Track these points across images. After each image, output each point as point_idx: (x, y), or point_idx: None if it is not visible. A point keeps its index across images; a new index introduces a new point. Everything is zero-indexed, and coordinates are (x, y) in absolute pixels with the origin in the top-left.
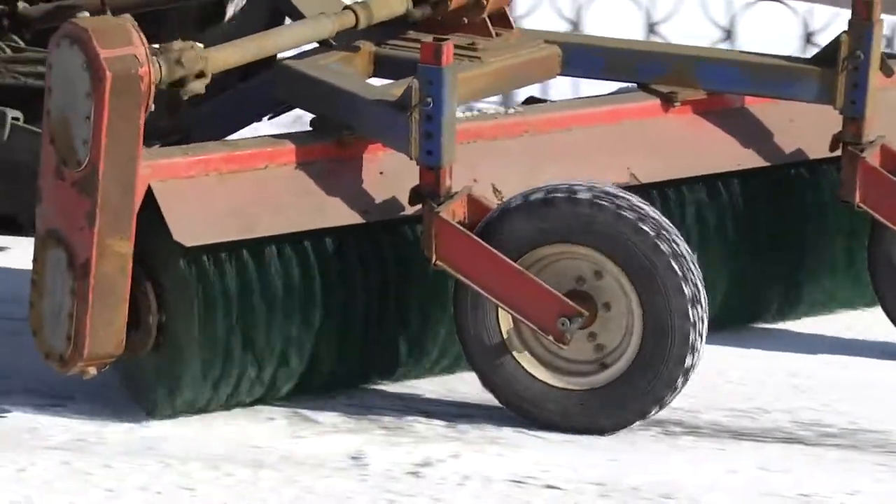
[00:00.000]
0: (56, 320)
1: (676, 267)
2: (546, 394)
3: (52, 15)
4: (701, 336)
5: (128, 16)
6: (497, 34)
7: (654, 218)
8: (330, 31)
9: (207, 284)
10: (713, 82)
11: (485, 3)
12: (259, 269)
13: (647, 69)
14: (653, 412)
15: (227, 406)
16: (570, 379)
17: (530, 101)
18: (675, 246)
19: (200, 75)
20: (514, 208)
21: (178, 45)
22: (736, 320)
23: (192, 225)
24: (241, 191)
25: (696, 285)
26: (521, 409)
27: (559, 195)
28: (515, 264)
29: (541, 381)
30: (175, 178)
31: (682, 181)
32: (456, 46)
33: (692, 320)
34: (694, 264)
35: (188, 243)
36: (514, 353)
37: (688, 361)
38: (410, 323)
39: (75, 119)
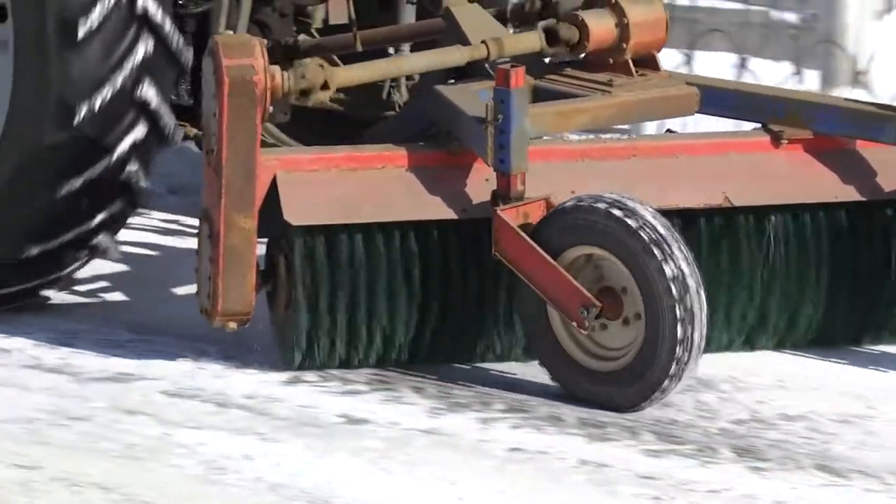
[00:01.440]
0: (205, 282)
1: (667, 269)
2: (583, 374)
3: (316, 48)
4: (692, 328)
5: (257, 39)
6: (641, 74)
7: (654, 227)
8: (459, 61)
9: (314, 260)
10: (817, 124)
11: (625, 47)
12: (364, 251)
13: (767, 110)
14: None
15: (351, 365)
16: (597, 363)
17: (668, 132)
18: (666, 252)
19: (325, 87)
20: (553, 213)
21: (307, 61)
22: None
23: (302, 208)
24: (355, 185)
25: (683, 285)
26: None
27: (583, 203)
28: (549, 259)
29: (581, 365)
30: (298, 170)
31: (776, 207)
32: (592, 81)
33: (679, 316)
34: (688, 266)
35: (294, 223)
36: (559, 338)
37: (678, 351)
38: (492, 310)
39: (209, 115)
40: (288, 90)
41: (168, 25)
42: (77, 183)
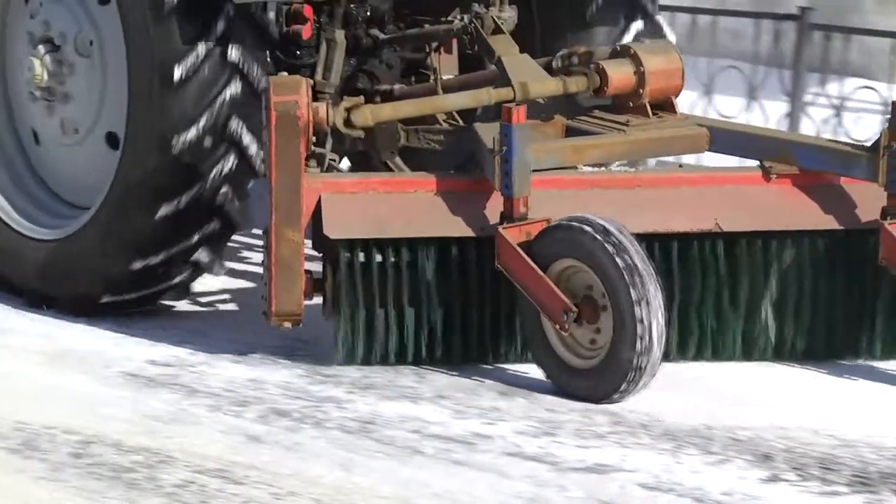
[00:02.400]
0: (264, 288)
1: (627, 277)
2: (567, 371)
3: (407, 94)
4: (650, 334)
5: (304, 79)
6: (658, 116)
7: (623, 244)
8: (488, 101)
9: (352, 269)
10: (804, 161)
11: (642, 92)
12: (393, 262)
13: (763, 149)
14: (618, 393)
15: (389, 362)
16: (578, 361)
17: (679, 167)
18: (629, 262)
19: (361, 119)
20: (544, 231)
21: (351, 99)
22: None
23: (340, 224)
24: (389, 205)
25: (645, 293)
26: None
27: (563, 221)
28: (538, 270)
29: (564, 361)
30: (340, 192)
31: (763, 233)
32: (612, 121)
33: (641, 319)
34: (650, 277)
35: (332, 236)
36: (551, 341)
37: (638, 346)
38: (502, 316)
39: (264, 144)
40: (333, 124)
41: (256, 71)
42: (176, 205)
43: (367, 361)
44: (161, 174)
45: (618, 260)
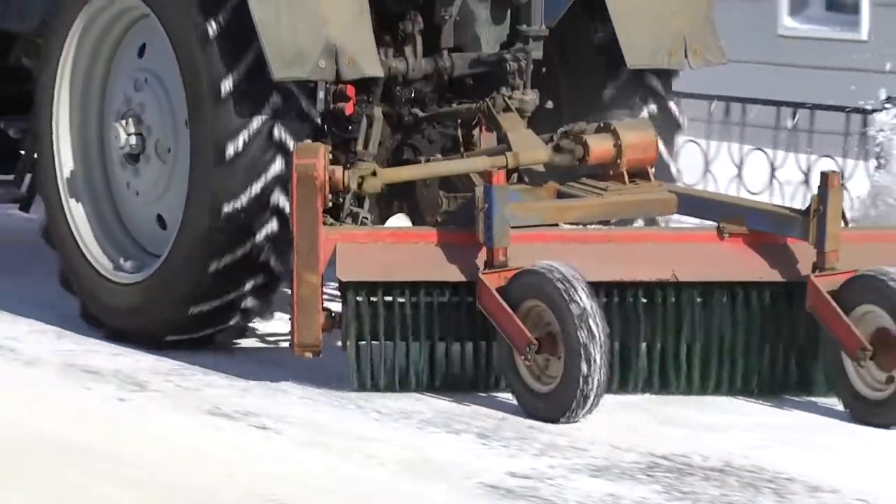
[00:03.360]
0: (290, 323)
1: (577, 317)
2: (531, 395)
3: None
4: (594, 366)
5: (323, 146)
6: (635, 183)
7: (575, 288)
8: (482, 167)
9: (360, 305)
10: (752, 223)
11: (619, 162)
12: (398, 301)
13: (720, 212)
14: (570, 413)
15: (394, 390)
16: (541, 387)
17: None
18: (582, 307)
19: (374, 182)
20: (516, 276)
21: (363, 164)
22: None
23: (351, 269)
24: (394, 254)
25: (590, 331)
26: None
27: (527, 267)
28: (509, 310)
29: (530, 387)
30: (353, 242)
31: (715, 283)
32: (594, 186)
33: (587, 352)
34: (596, 316)
35: (343, 278)
36: (519, 369)
37: (584, 370)
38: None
39: (288, 199)
40: (346, 184)
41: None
42: (226, 260)
43: (376, 388)
44: (214, 235)
45: (570, 301)
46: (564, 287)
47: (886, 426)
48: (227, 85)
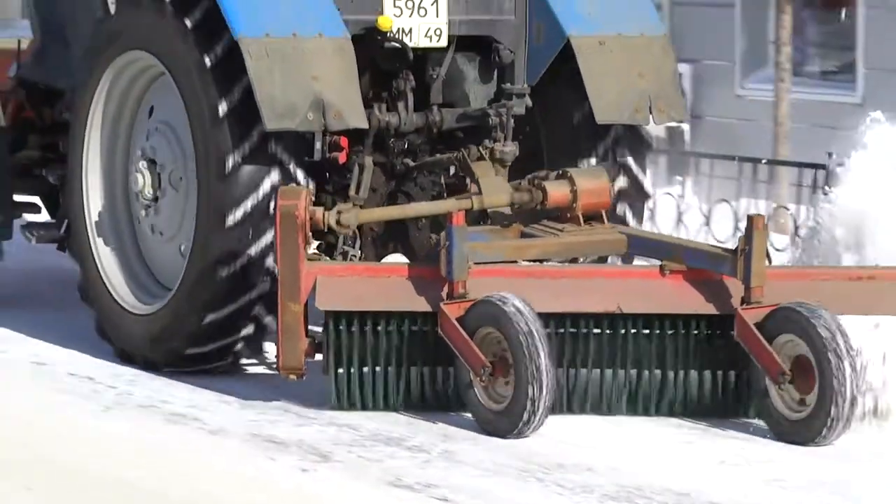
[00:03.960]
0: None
1: (525, 342)
2: (486, 412)
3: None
4: (540, 387)
5: (305, 189)
6: (590, 225)
7: (524, 316)
8: (451, 208)
9: (338, 332)
10: (689, 261)
11: (575, 206)
12: (371, 329)
13: (663, 252)
14: (518, 430)
15: (367, 408)
16: (495, 405)
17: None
18: (530, 334)
19: (351, 220)
20: (472, 305)
21: (342, 205)
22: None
23: (329, 299)
24: (368, 287)
25: (537, 356)
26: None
27: (483, 297)
28: (466, 336)
29: (485, 406)
30: (333, 275)
31: (655, 315)
32: (553, 227)
33: (533, 375)
34: (540, 341)
35: (321, 308)
36: (475, 389)
37: (531, 391)
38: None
39: (273, 236)
40: (326, 223)
41: (293, 168)
42: (232, 269)
43: (353, 407)
44: (219, 243)
45: (520, 329)
46: (515, 316)
47: (803, 443)
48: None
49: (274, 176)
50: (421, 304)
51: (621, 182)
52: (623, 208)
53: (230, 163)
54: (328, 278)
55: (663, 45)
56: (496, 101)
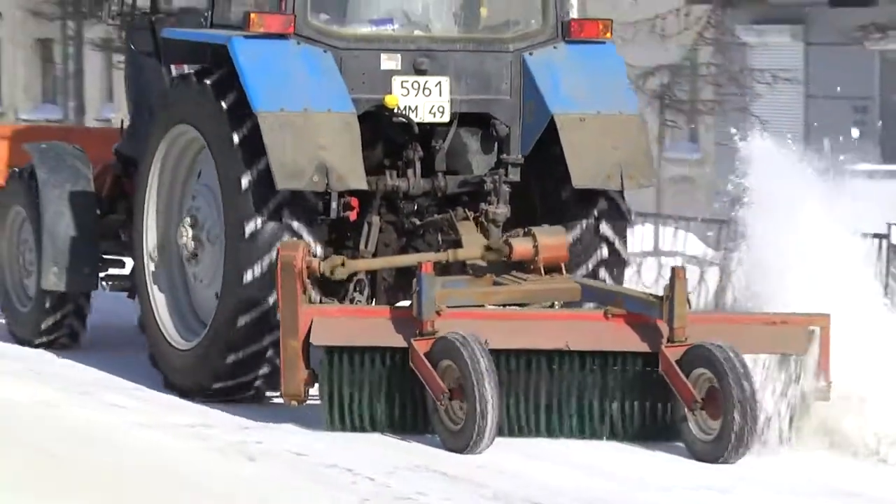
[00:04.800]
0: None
1: (475, 373)
2: (446, 433)
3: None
4: (488, 411)
5: (302, 243)
6: (550, 276)
7: (476, 351)
8: (431, 260)
9: (333, 364)
10: (628, 306)
11: (537, 259)
12: (360, 362)
13: (607, 299)
14: (470, 447)
15: (357, 430)
16: (453, 426)
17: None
18: (481, 366)
19: (343, 271)
20: (437, 341)
21: (335, 257)
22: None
23: (323, 336)
24: (356, 326)
25: (487, 385)
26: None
27: (444, 335)
28: (430, 367)
29: (445, 426)
30: (328, 316)
31: (598, 352)
32: (517, 277)
33: (482, 401)
34: (488, 372)
35: (316, 343)
36: (439, 412)
37: (479, 418)
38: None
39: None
40: (321, 272)
41: (305, 233)
42: (250, 317)
43: (345, 429)
44: (237, 296)
45: (471, 361)
46: (468, 352)
47: (713, 462)
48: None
49: (287, 216)
50: (398, 341)
51: (603, 252)
52: (604, 275)
53: (250, 228)
54: (322, 318)
55: (637, 122)
56: (495, 170)
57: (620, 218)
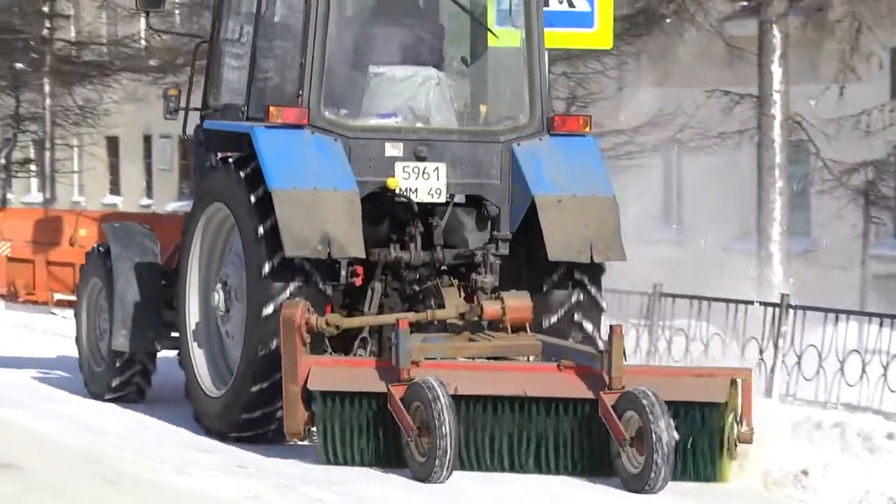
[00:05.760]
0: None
1: (437, 413)
2: (416, 464)
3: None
4: (447, 446)
5: (303, 302)
6: (516, 334)
7: (438, 395)
8: (413, 319)
9: (325, 406)
10: (577, 359)
11: (505, 319)
12: (350, 404)
13: (561, 353)
14: (432, 476)
15: (349, 464)
16: (420, 458)
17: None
18: (441, 407)
19: (338, 327)
20: (409, 387)
21: (331, 315)
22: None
23: (321, 382)
24: (347, 374)
25: (445, 423)
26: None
27: (415, 380)
28: (404, 409)
29: (415, 459)
30: (324, 366)
31: (552, 398)
32: (487, 335)
33: (442, 437)
34: (448, 412)
35: (312, 388)
36: (410, 447)
37: (440, 451)
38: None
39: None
40: (318, 327)
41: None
42: (267, 350)
43: (338, 463)
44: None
45: (434, 403)
46: (432, 395)
47: (639, 492)
48: (267, 266)
49: (297, 280)
50: (381, 387)
51: (580, 297)
52: (580, 318)
53: (265, 269)
54: (318, 367)
55: (610, 203)
56: (487, 244)
57: (594, 308)
